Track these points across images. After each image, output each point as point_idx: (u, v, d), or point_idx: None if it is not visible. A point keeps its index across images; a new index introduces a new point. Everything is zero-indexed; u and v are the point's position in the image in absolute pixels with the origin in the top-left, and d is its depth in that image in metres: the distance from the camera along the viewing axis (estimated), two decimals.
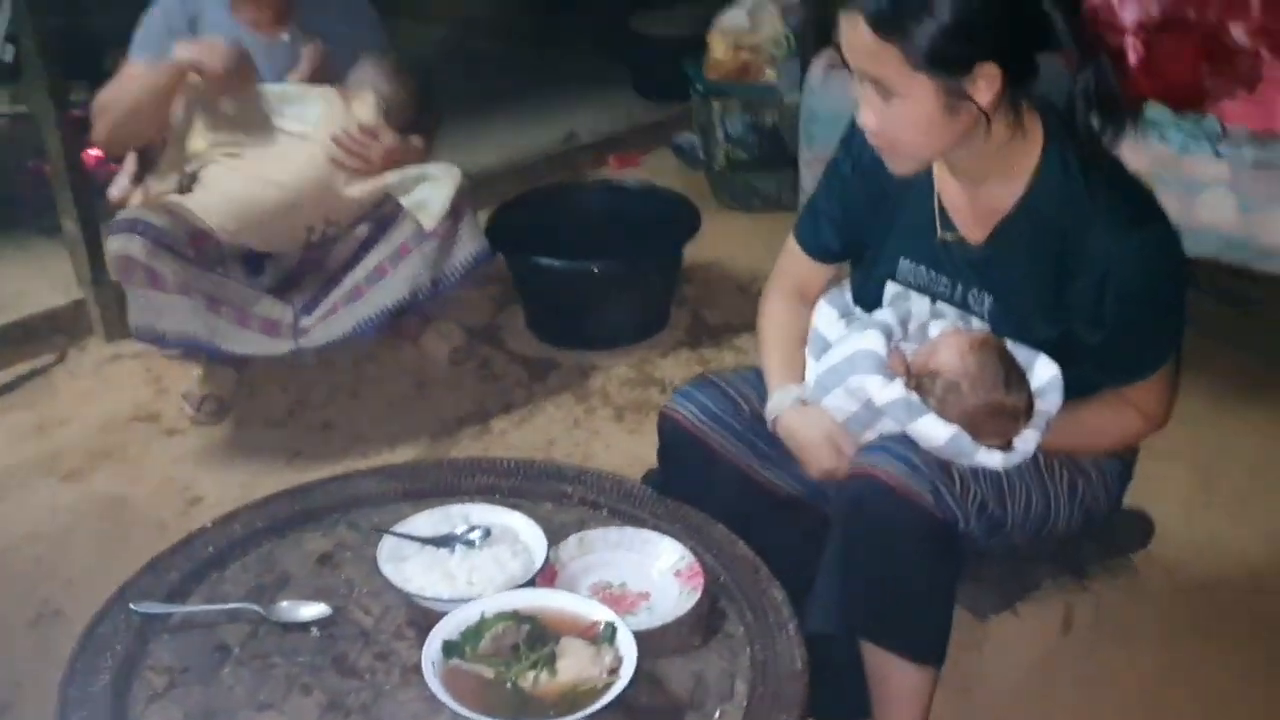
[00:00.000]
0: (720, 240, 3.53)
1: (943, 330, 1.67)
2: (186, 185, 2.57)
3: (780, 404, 1.74)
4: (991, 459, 1.58)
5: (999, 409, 1.58)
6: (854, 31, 1.44)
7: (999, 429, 1.59)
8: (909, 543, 1.54)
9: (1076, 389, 1.64)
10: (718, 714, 1.41)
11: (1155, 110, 2.65)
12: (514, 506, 1.70)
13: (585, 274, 3.01)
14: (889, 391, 1.60)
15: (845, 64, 1.51)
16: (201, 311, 2.46)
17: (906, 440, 1.60)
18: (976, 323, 1.67)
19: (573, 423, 2.79)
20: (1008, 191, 1.58)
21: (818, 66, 3.02)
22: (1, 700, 1.99)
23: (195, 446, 2.70)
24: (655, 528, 1.69)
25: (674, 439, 1.82)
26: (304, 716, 1.41)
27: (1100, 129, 1.52)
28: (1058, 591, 1.85)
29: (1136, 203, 1.57)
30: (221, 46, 2.48)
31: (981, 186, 1.60)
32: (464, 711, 1.32)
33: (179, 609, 1.56)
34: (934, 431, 1.57)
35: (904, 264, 1.71)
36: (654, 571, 1.61)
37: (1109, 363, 1.63)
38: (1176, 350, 1.66)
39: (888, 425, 1.64)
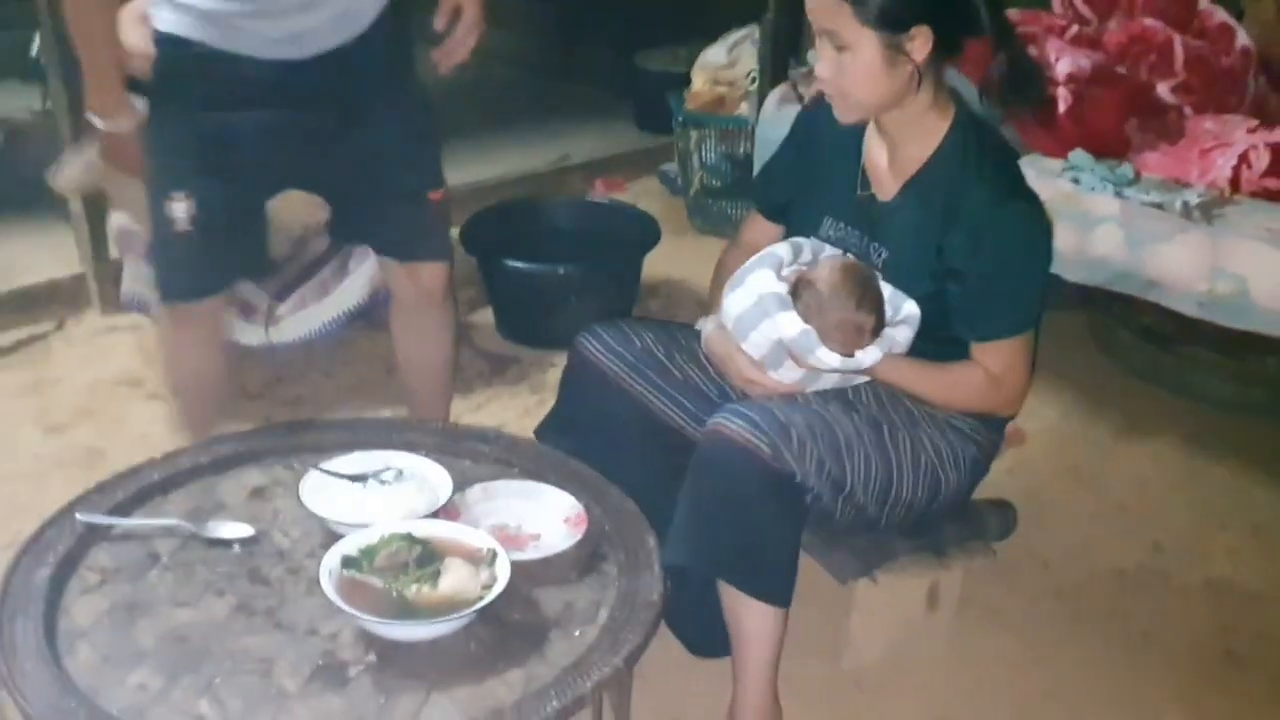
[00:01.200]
0: (691, 261, 3.72)
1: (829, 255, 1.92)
2: None
3: (705, 327, 2.00)
4: (830, 358, 1.81)
5: (846, 321, 1.82)
6: None
7: (844, 339, 1.82)
8: (748, 489, 1.75)
9: (946, 352, 1.86)
10: (578, 633, 1.60)
11: (1077, 155, 2.86)
12: (437, 460, 1.90)
13: (549, 276, 3.22)
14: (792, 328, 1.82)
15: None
16: None
17: (756, 404, 1.82)
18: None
19: (523, 411, 2.98)
20: (919, 154, 1.83)
21: (773, 99, 3.26)
22: None
23: (173, 411, 2.91)
24: (556, 484, 1.89)
25: (579, 368, 2.06)
26: (215, 614, 1.60)
27: (1012, 103, 1.83)
28: (920, 567, 2.02)
29: (1019, 183, 1.83)
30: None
31: (900, 149, 1.85)
32: (352, 611, 1.51)
33: (120, 521, 1.76)
34: (789, 325, 1.81)
35: (826, 221, 1.95)
36: (546, 518, 1.81)
37: (966, 316, 1.84)
38: (1031, 331, 1.86)
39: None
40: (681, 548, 1.78)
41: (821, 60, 1.78)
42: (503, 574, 1.59)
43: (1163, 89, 3.09)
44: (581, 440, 2.02)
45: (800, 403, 1.86)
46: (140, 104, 2.06)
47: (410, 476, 1.83)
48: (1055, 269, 2.65)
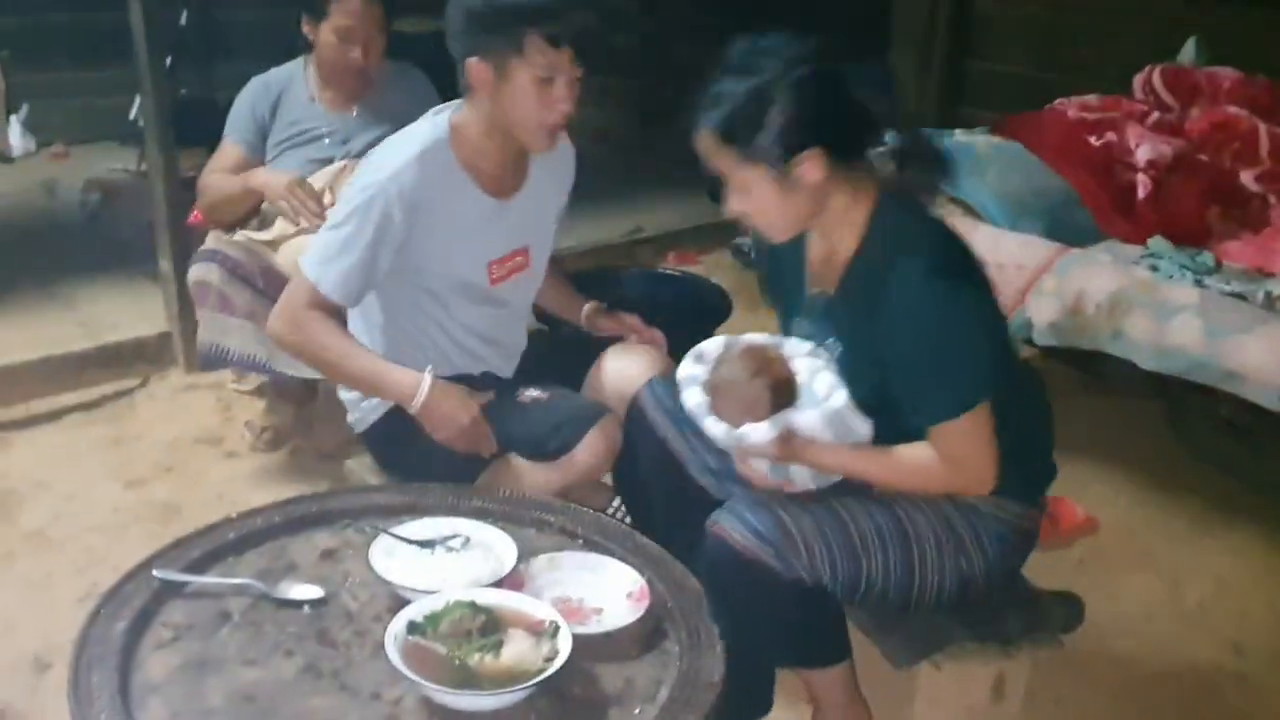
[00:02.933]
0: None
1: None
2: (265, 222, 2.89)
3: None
4: (716, 428, 1.86)
5: (733, 390, 1.88)
6: (701, 140, 1.79)
7: (731, 409, 1.87)
8: (763, 596, 1.79)
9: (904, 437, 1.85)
10: (638, 710, 1.59)
11: (1156, 243, 2.84)
12: (503, 528, 1.92)
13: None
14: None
15: None
16: (264, 336, 2.74)
17: (747, 499, 1.87)
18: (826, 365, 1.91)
19: None
20: (849, 247, 1.84)
21: None
22: (44, 659, 2.26)
23: (250, 469, 2.98)
24: (621, 558, 1.89)
25: (634, 416, 2.18)
26: (283, 674, 1.62)
27: (919, 183, 1.82)
28: (985, 656, 1.99)
29: (945, 258, 1.79)
30: (281, 181, 2.78)
31: (833, 245, 1.86)
32: (414, 677, 1.52)
33: (194, 578, 1.80)
34: (689, 398, 1.90)
35: (796, 321, 1.97)
36: (609, 591, 1.81)
37: (908, 402, 1.81)
38: (977, 407, 1.76)
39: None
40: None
41: (729, 198, 1.82)
42: (564, 647, 1.59)
43: (1246, 177, 3.08)
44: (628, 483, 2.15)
45: (813, 499, 1.88)
46: None
47: (477, 544, 1.84)
48: (1131, 355, 2.66)
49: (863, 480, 1.89)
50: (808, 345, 1.94)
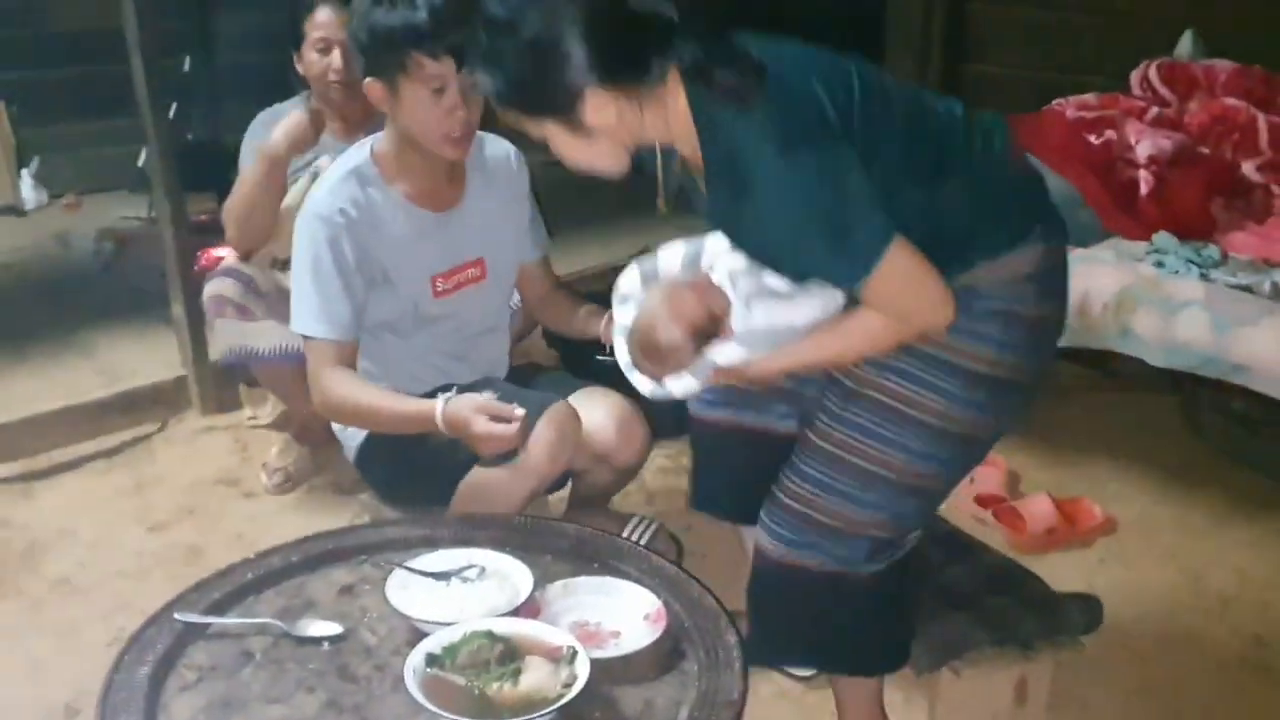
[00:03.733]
0: None
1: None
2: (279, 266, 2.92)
3: None
4: (644, 385, 1.87)
5: (656, 344, 1.84)
6: (489, 100, 1.71)
7: (658, 361, 1.85)
8: (805, 601, 1.84)
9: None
10: None
11: (1161, 238, 2.84)
12: (517, 556, 1.93)
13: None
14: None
15: None
16: (290, 330, 2.77)
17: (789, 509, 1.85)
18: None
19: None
20: (692, 145, 1.71)
21: None
22: (74, 706, 2.29)
23: (269, 508, 3.01)
24: (636, 580, 1.90)
25: (701, 432, 2.16)
26: (306, 711, 1.63)
27: (731, 89, 1.61)
28: (1006, 660, 1.99)
29: (779, 128, 1.60)
30: (291, 120, 2.78)
31: (680, 148, 1.75)
32: (434, 709, 1.54)
33: (215, 620, 1.82)
34: (619, 347, 1.91)
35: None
36: (626, 614, 1.82)
37: (815, 275, 1.72)
38: (886, 248, 1.61)
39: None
40: (765, 651, 1.82)
41: (552, 150, 1.75)
42: (582, 672, 1.60)
43: (1248, 167, 3.07)
44: (735, 493, 2.09)
45: (811, 437, 1.85)
46: None
47: (492, 574, 1.86)
48: (1140, 353, 2.66)
49: (816, 367, 1.85)
50: (725, 242, 1.85)
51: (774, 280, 1.78)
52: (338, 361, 2.24)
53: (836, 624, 1.79)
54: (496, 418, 2.10)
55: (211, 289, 2.82)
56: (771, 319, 1.78)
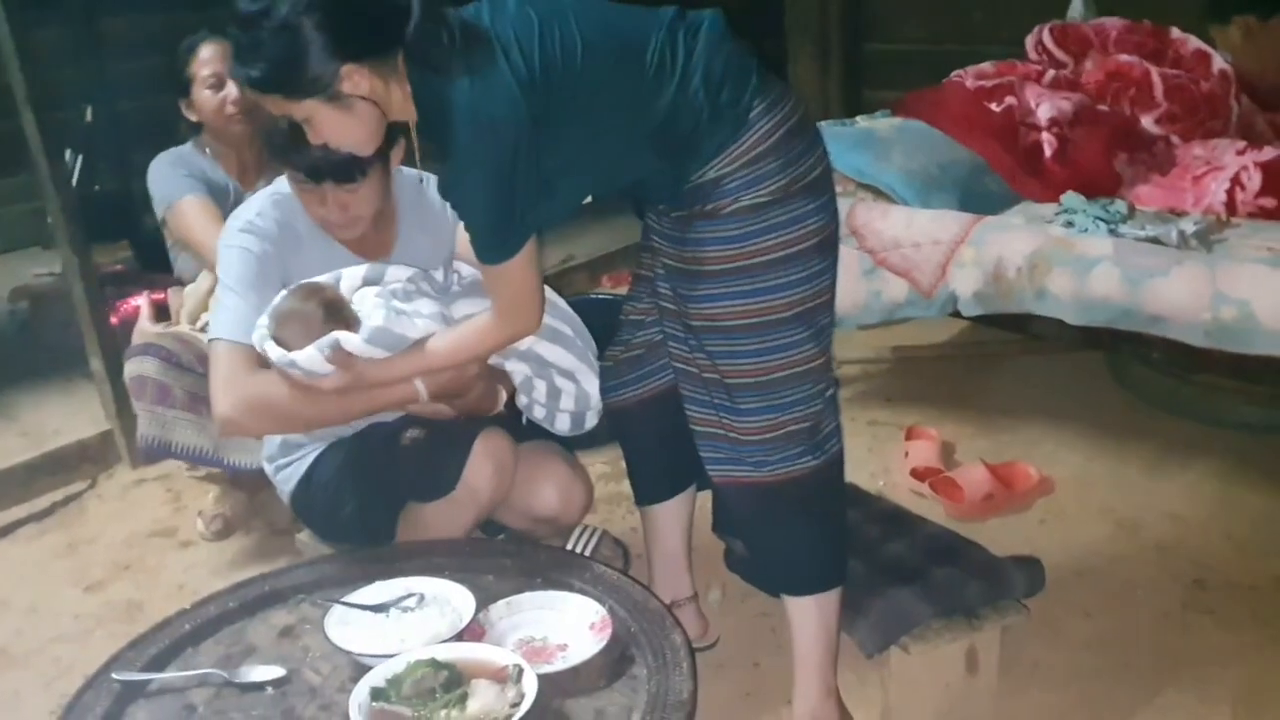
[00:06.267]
0: None
1: None
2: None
3: None
4: (274, 352, 1.99)
5: (289, 318, 2.02)
6: (256, 98, 1.78)
7: (291, 338, 2.00)
8: (755, 516, 1.97)
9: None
10: None
11: (1070, 198, 2.88)
12: (459, 580, 1.92)
13: None
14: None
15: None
16: (208, 427, 2.71)
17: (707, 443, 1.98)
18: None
19: None
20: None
21: None
22: None
23: (207, 556, 2.95)
24: (580, 591, 1.90)
25: (621, 420, 2.27)
26: None
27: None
28: (953, 632, 2.00)
29: (470, 109, 1.71)
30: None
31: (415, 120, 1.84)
32: None
33: (155, 676, 1.78)
34: (260, 339, 2.03)
35: None
36: (571, 626, 1.81)
37: (469, 229, 1.85)
38: (514, 254, 1.82)
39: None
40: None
41: (310, 136, 1.81)
42: (530, 690, 1.58)
43: (1147, 121, 3.13)
44: (672, 466, 2.24)
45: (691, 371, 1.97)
46: None
47: (432, 600, 1.84)
48: (1058, 313, 2.69)
49: (434, 369, 2.05)
50: (361, 270, 2.12)
51: (398, 302, 2.05)
52: (262, 369, 2.08)
53: (780, 532, 1.94)
54: None
55: (131, 369, 2.73)
56: (389, 324, 2.00)
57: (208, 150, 2.94)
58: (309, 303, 2.03)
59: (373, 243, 2.25)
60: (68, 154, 4.57)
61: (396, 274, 2.15)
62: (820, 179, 1.87)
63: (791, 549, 1.96)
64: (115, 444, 3.44)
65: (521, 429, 2.34)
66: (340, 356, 2.00)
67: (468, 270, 2.23)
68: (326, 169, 2.04)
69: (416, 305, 2.08)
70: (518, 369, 2.24)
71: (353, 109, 1.76)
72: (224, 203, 2.84)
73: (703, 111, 1.78)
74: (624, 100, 1.79)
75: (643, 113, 1.79)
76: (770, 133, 1.80)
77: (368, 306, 2.04)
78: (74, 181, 4.47)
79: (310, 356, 1.98)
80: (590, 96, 1.77)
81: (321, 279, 2.11)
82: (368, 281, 2.13)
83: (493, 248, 1.84)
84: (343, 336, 1.99)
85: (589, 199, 1.94)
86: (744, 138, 1.79)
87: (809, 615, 1.98)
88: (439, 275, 2.20)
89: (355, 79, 1.72)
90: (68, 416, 3.61)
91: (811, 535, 1.95)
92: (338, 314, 2.04)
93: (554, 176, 1.80)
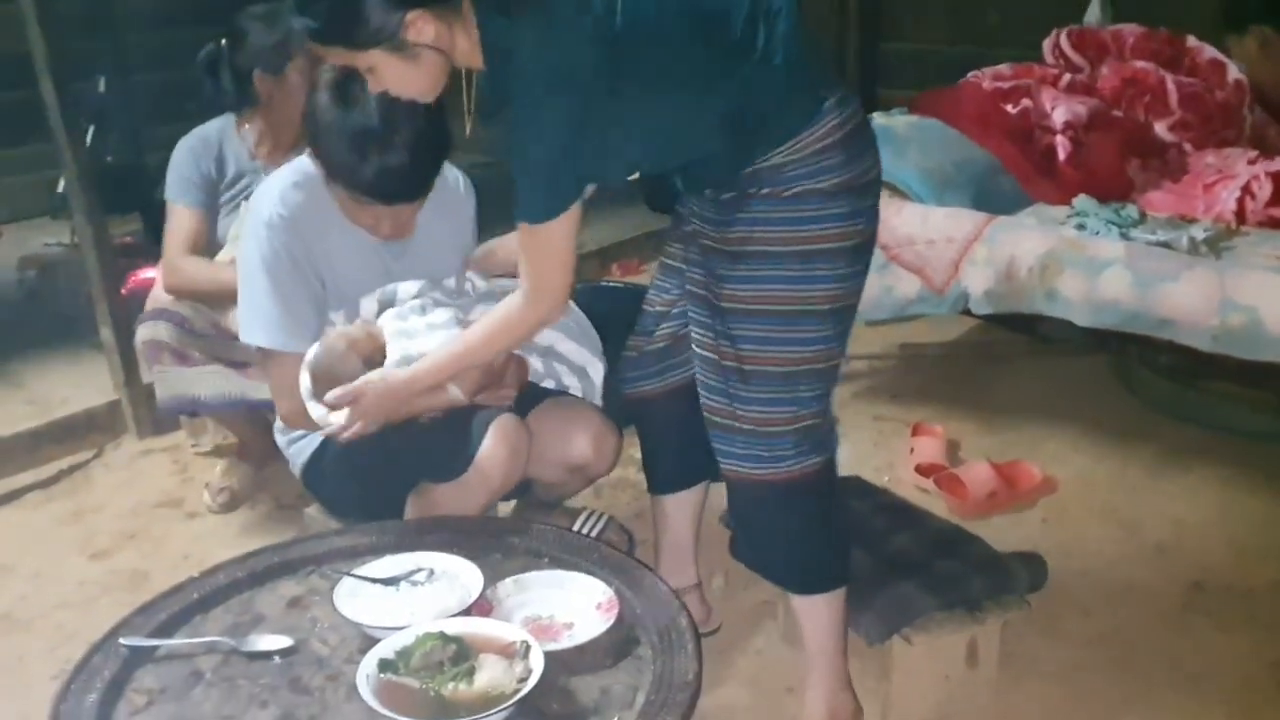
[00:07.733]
0: None
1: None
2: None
3: None
4: (317, 411, 2.01)
5: (328, 376, 2.04)
6: (317, 50, 1.79)
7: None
8: (764, 513, 1.98)
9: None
10: (616, 718, 1.61)
11: (1081, 201, 2.89)
12: (467, 556, 1.93)
13: None
14: None
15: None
16: (232, 375, 2.72)
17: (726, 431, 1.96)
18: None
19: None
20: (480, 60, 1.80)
21: None
22: None
23: (213, 528, 2.97)
24: (587, 571, 1.91)
25: (642, 411, 2.29)
26: None
27: None
28: (955, 625, 2.02)
29: (543, 65, 1.69)
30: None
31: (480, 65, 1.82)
32: (390, 714, 1.53)
33: (162, 642, 1.79)
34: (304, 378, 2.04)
35: None
36: (578, 606, 1.82)
37: (514, 175, 1.78)
38: (554, 215, 1.76)
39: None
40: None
41: (370, 87, 1.82)
42: (537, 666, 1.60)
43: (1160, 128, 3.14)
44: (688, 457, 2.22)
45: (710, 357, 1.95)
46: None
47: (441, 575, 1.85)
48: (1067, 314, 2.71)
49: (471, 366, 2.04)
50: (374, 297, 2.14)
51: (415, 317, 2.07)
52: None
53: (789, 530, 1.95)
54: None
55: (145, 334, 2.74)
56: (406, 353, 2.03)
57: (247, 127, 2.88)
58: (346, 364, 2.05)
59: (394, 226, 2.24)
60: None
61: (407, 290, 2.16)
62: (874, 182, 1.86)
63: (801, 547, 1.97)
64: (123, 414, 3.45)
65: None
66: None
67: (481, 282, 2.24)
68: (394, 190, 2.05)
69: (432, 317, 2.08)
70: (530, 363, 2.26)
71: (418, 59, 1.74)
72: (227, 190, 2.85)
73: (779, 95, 1.76)
74: (700, 71, 1.75)
75: (718, 88, 1.75)
76: (839, 126, 1.79)
77: (389, 333, 2.07)
78: None
79: (340, 416, 2.03)
80: (669, 62, 1.74)
81: (345, 330, 2.12)
82: (382, 305, 2.14)
83: (537, 204, 1.78)
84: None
85: (635, 175, 1.93)
86: (815, 127, 1.78)
87: (819, 612, 1.99)
88: (450, 283, 2.21)
89: (420, 25, 1.71)
90: (75, 386, 3.62)
91: (820, 533, 1.96)
92: (371, 361, 2.06)
93: (612, 141, 1.76)
